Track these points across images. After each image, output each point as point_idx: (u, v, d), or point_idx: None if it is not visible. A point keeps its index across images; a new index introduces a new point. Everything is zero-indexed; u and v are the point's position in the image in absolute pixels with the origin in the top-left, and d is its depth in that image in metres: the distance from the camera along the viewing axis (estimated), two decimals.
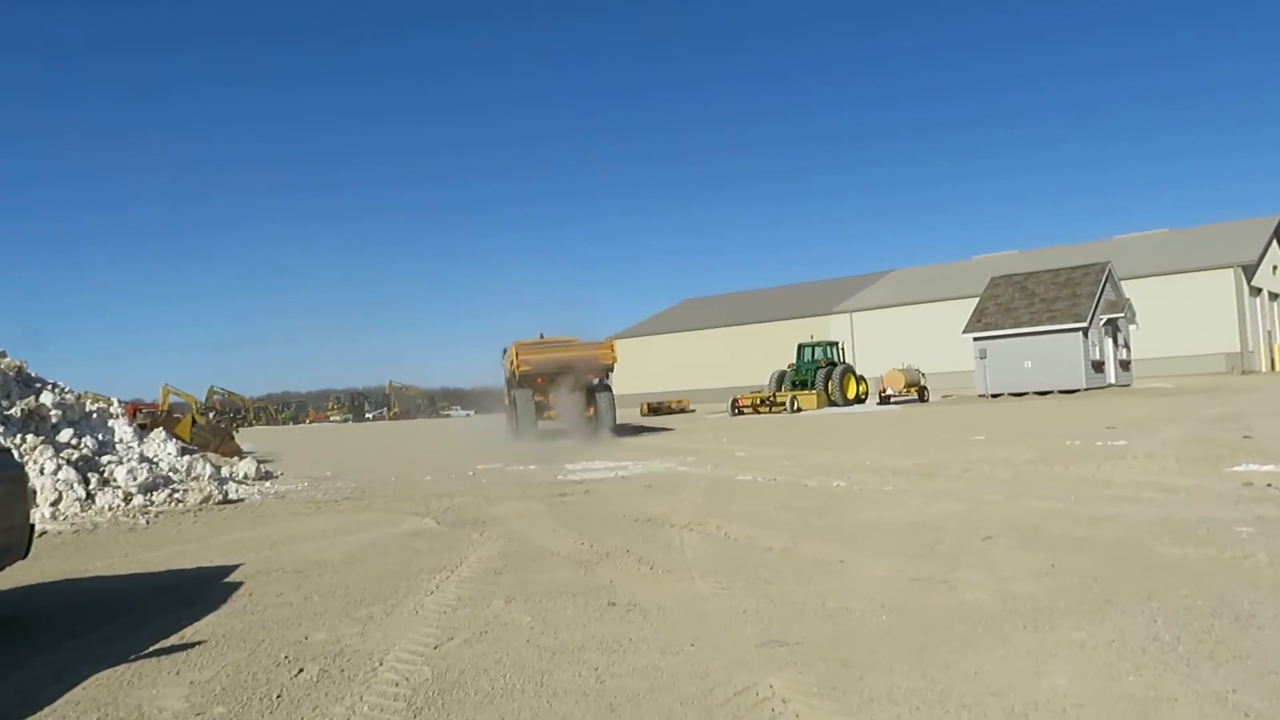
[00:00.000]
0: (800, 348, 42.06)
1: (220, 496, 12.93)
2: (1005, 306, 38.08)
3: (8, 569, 6.27)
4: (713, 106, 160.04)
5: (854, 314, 66.73)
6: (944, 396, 41.43)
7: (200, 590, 6.60)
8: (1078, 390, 34.31)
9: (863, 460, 13.49)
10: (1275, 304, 59.56)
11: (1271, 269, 58.05)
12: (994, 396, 35.98)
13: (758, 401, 36.58)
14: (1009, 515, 7.73)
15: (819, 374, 38.72)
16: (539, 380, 24.39)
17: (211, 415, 66.85)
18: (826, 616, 4.86)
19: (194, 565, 7.78)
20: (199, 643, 5.06)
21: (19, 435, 13.26)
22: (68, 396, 15.05)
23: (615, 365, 25.72)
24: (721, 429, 26.34)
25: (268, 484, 15.33)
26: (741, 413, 36.21)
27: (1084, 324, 34.87)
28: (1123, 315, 37.70)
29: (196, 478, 14.24)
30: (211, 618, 5.67)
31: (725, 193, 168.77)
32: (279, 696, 4.08)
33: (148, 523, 10.93)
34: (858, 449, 15.78)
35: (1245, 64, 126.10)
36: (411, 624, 5.22)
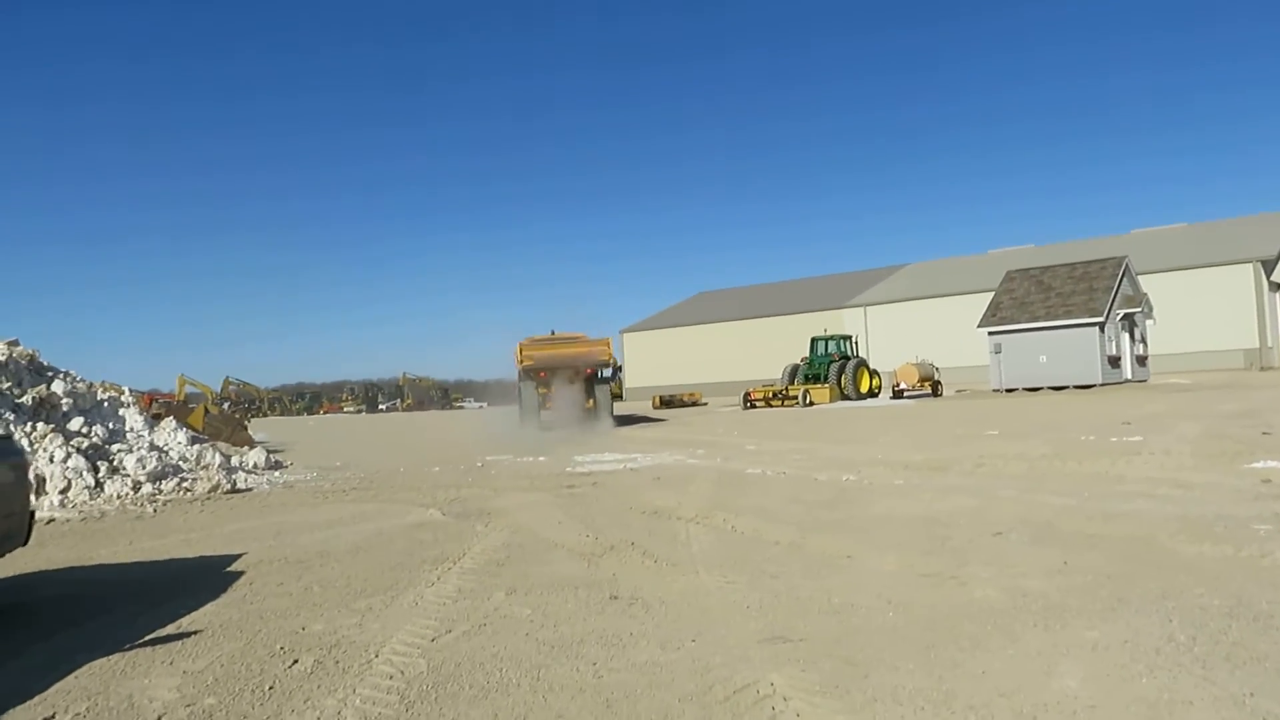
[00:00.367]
0: (814, 341, 41.87)
1: (229, 486, 12.92)
2: (1021, 301, 37.78)
3: (8, 556, 6.26)
4: (727, 100, 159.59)
5: (868, 308, 66.44)
6: (958, 391, 41.17)
7: (201, 579, 6.54)
8: (1093, 386, 34.02)
9: (874, 454, 13.36)
10: None
11: None
12: (1008, 391, 35.72)
13: (770, 395, 36.42)
14: (1021, 511, 7.60)
15: (832, 368, 38.51)
16: (541, 374, 26.23)
17: (226, 406, 67.28)
18: (832, 612, 4.76)
19: (197, 554, 7.74)
20: (195, 632, 5.00)
21: (30, 423, 13.28)
22: (79, 385, 15.05)
23: (612, 361, 27.77)
24: (733, 422, 26.22)
25: (277, 474, 15.32)
26: (754, 406, 36.06)
27: (1100, 319, 34.55)
28: (1140, 310, 37.34)
29: (206, 467, 14.23)
30: (210, 607, 5.61)
31: (739, 186, 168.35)
32: (271, 688, 4.00)
33: (155, 511, 10.91)
34: (869, 443, 15.64)
35: (1267, 57, 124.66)
36: (410, 616, 5.15)
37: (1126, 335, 37.10)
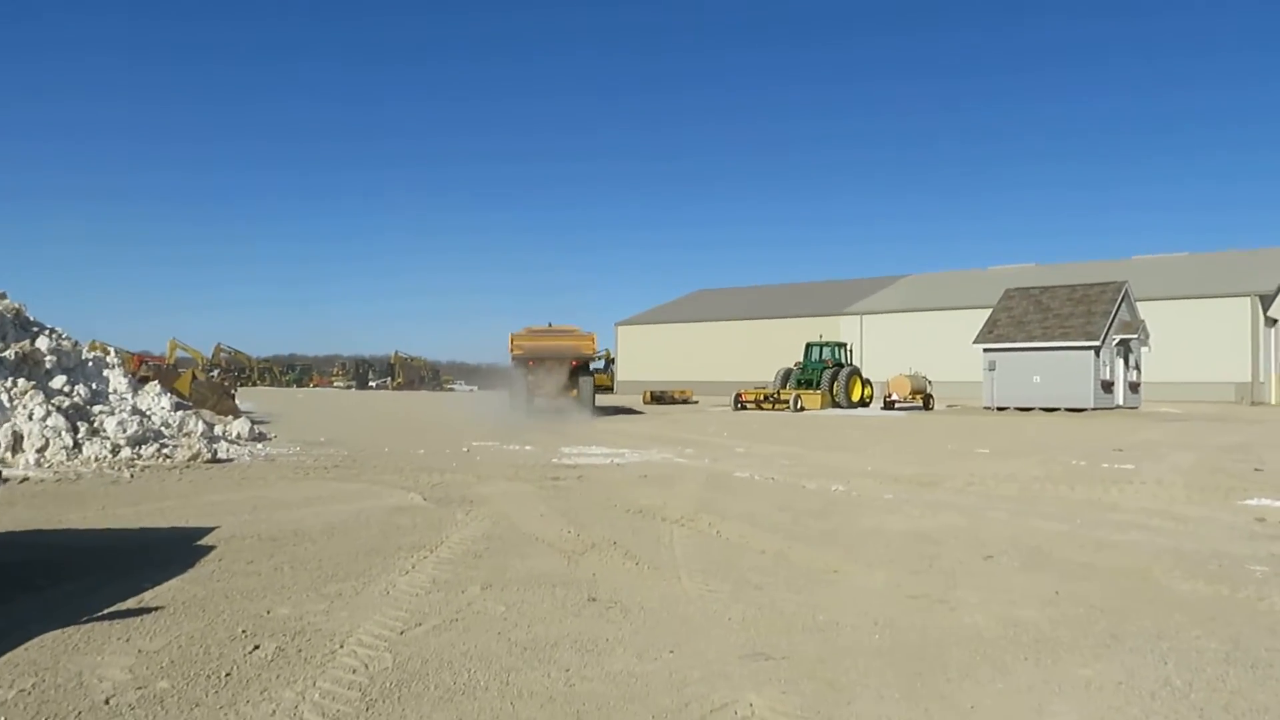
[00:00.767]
0: (808, 346, 41.72)
1: (209, 455, 12.72)
2: (1018, 319, 37.69)
3: None
4: (736, 97, 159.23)
5: (864, 316, 66.32)
6: (949, 406, 41.08)
7: (170, 552, 6.37)
8: (1085, 409, 33.94)
9: (864, 465, 13.21)
10: None
11: None
12: (1000, 409, 35.63)
13: (761, 398, 36.27)
14: (1012, 534, 7.46)
15: (825, 374, 38.39)
16: (530, 363, 28.60)
17: (215, 372, 66.94)
18: (816, 630, 4.60)
19: (169, 525, 7.56)
20: (157, 608, 4.82)
21: (11, 378, 13.06)
22: (64, 343, 14.84)
23: (595, 354, 30.54)
24: (723, 422, 26.08)
25: (259, 446, 15.12)
26: (745, 408, 35.91)
27: (1097, 343, 34.48)
28: (1136, 336, 37.29)
29: (188, 434, 14.02)
30: (175, 582, 5.43)
31: (741, 185, 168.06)
32: (228, 675, 3.83)
33: (132, 476, 10.71)
34: (859, 453, 15.50)
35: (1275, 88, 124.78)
36: (380, 605, 4.98)
37: (1121, 361, 37.04)
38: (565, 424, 23.67)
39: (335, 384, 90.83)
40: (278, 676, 3.82)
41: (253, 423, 17.24)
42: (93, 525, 7.51)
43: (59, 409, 12.58)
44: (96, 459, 11.78)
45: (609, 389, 58.08)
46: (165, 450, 12.68)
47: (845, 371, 38.80)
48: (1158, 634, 4.55)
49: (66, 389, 13.50)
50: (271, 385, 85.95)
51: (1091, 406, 34.08)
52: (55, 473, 10.74)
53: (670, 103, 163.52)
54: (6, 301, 14.90)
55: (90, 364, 15.06)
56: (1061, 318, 36.43)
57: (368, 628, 4.53)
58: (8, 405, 12.34)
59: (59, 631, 4.37)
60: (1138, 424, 26.28)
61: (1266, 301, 53.07)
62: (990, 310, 40.13)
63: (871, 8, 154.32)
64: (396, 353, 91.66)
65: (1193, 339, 50.92)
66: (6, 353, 13.55)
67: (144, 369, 32.69)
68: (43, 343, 14.21)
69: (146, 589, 5.24)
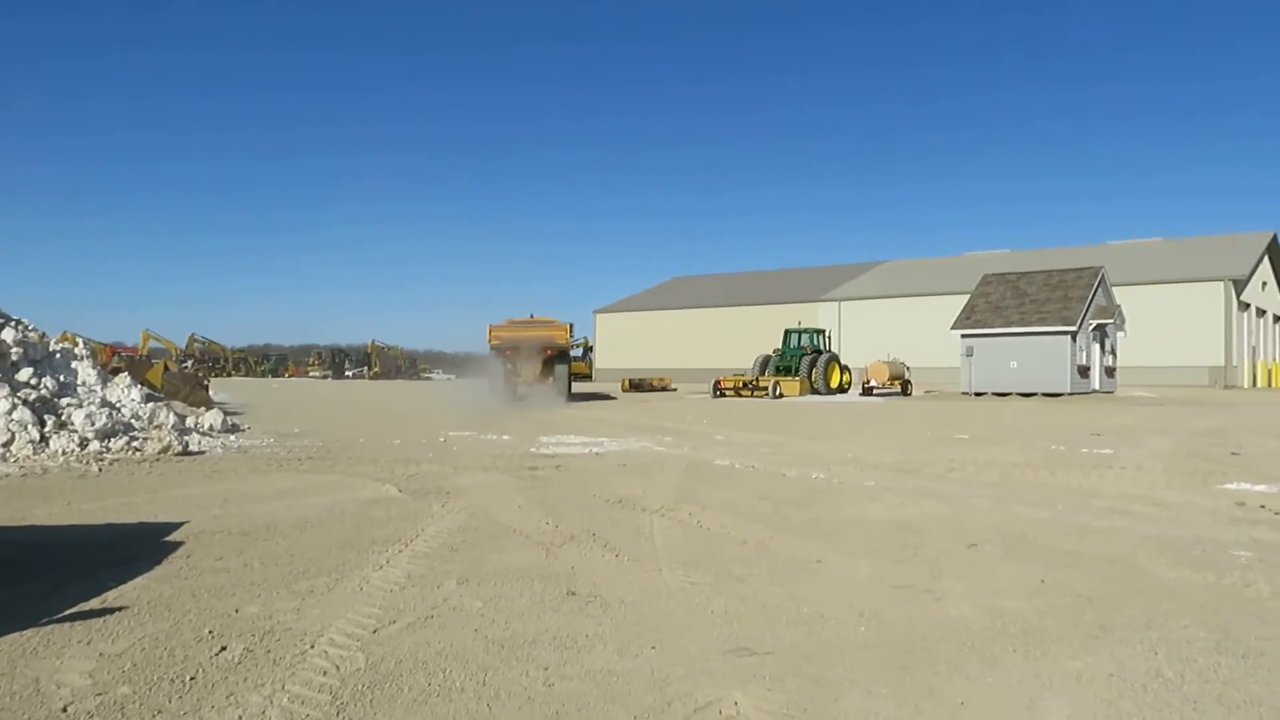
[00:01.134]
0: (787, 333, 41.76)
1: (180, 448, 12.48)
2: (995, 305, 37.82)
3: None
4: (714, 86, 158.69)
5: (842, 303, 66.48)
6: (927, 391, 41.24)
7: (136, 548, 6.18)
8: (1062, 394, 34.14)
9: (844, 452, 13.16)
10: (1262, 320, 59.65)
11: (1261, 285, 58.09)
12: (977, 395, 35.78)
13: (740, 385, 36.24)
14: (995, 521, 7.40)
15: (804, 361, 38.41)
16: (508, 352, 30.03)
17: (190, 363, 66.20)
18: (801, 623, 4.50)
19: (137, 520, 7.36)
20: (121, 609, 4.66)
21: None
22: (31, 334, 14.53)
23: (569, 343, 32.30)
24: (702, 410, 26.01)
25: (232, 437, 14.88)
26: (723, 395, 35.89)
27: (1073, 328, 34.66)
28: (1112, 321, 37.53)
29: (158, 426, 13.78)
30: (140, 580, 5.26)
31: (718, 173, 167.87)
32: (193, 679, 3.68)
33: (100, 470, 10.48)
34: (839, 440, 15.45)
35: (1253, 77, 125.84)
36: (353, 602, 4.84)
37: (1097, 346, 37.28)
38: (543, 412, 23.62)
39: (311, 374, 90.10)
40: (245, 679, 3.68)
41: (226, 414, 16.98)
42: (58, 521, 7.30)
43: (25, 402, 12.30)
44: (64, 453, 11.53)
45: (588, 377, 57.87)
46: (135, 443, 12.43)
47: (824, 358, 38.86)
48: (1146, 623, 4.49)
49: (33, 381, 13.20)
50: (247, 375, 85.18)
51: (1068, 391, 34.29)
52: (21, 468, 10.49)
53: (647, 93, 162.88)
54: None
55: (58, 356, 14.75)
56: (1038, 303, 36.61)
57: (340, 626, 4.39)
58: None
59: (17, 635, 4.20)
60: (1114, 409, 26.44)
61: (1240, 286, 53.62)
62: (968, 296, 40.27)
63: None
64: (373, 342, 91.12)
65: (1167, 323, 51.40)
66: None
67: (116, 360, 32.23)
68: (8, 334, 13.89)
69: (110, 588, 5.06)
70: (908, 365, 41.09)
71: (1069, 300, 35.99)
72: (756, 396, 34.90)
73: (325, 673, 3.76)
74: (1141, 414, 23.48)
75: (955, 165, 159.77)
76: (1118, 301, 39.32)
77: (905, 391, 39.10)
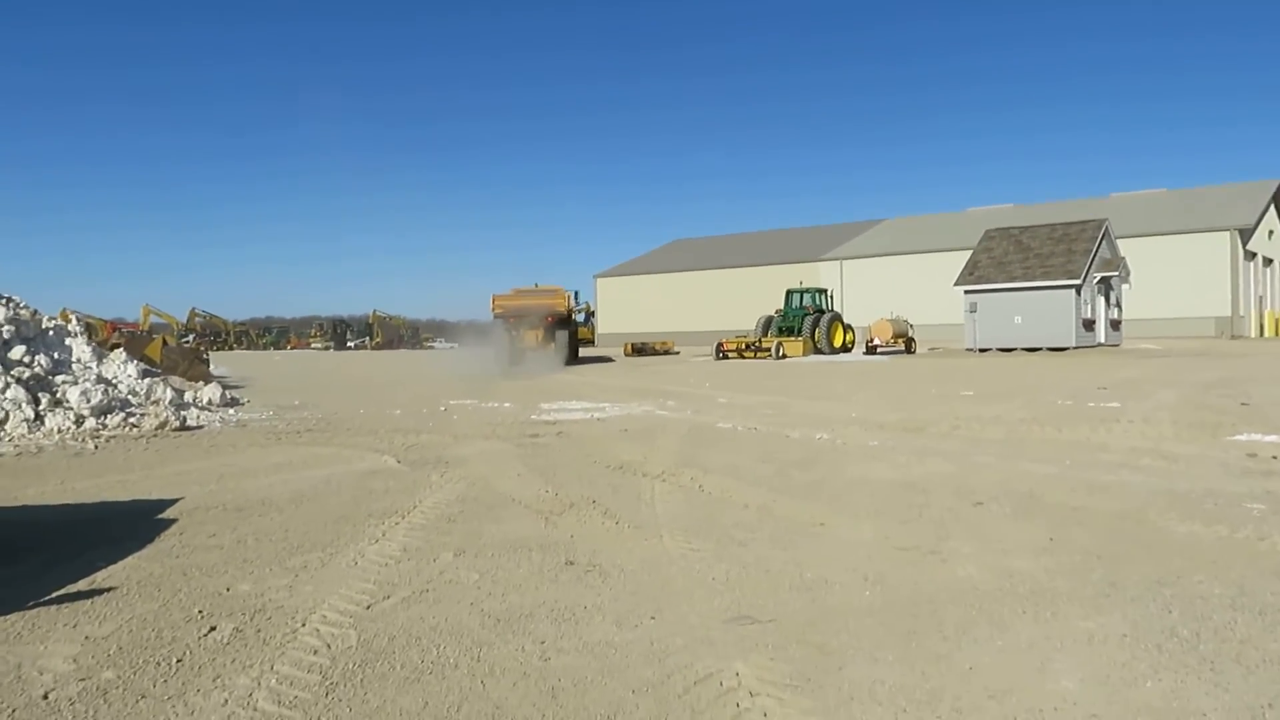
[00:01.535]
0: (789, 294, 41.49)
1: (178, 423, 12.38)
2: (999, 260, 37.54)
3: None
4: (710, 48, 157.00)
5: (844, 261, 66.07)
6: (931, 349, 41.07)
7: (129, 526, 6.08)
8: (1067, 348, 33.97)
9: (848, 412, 13.04)
10: (1269, 269, 59.22)
11: (1267, 234, 57.56)
12: (982, 351, 35.63)
13: (743, 346, 36.10)
14: (1001, 479, 7.28)
15: (806, 321, 38.21)
16: (510, 320, 31.53)
17: (191, 337, 66.15)
18: (804, 589, 4.39)
19: (131, 497, 7.27)
20: (109, 589, 4.56)
21: None
22: (23, 311, 14.37)
23: (569, 310, 33.39)
24: (705, 373, 25.88)
25: (231, 411, 14.78)
26: (726, 357, 35.74)
27: (1078, 281, 34.41)
28: (1117, 274, 37.25)
29: (156, 402, 13.67)
30: (131, 559, 5.16)
31: (718, 133, 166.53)
32: (179, 661, 3.58)
33: (96, 447, 10.39)
34: (843, 400, 15.33)
35: (1254, 30, 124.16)
36: (347, 577, 4.73)
37: (1102, 299, 37.04)
38: (544, 378, 23.57)
39: (313, 345, 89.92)
40: (233, 661, 3.58)
41: (225, 388, 16.88)
42: (50, 500, 7.21)
43: (18, 380, 12.19)
44: (59, 430, 11.44)
45: (590, 342, 57.73)
46: (132, 419, 12.33)
47: (826, 318, 38.65)
48: (1159, 580, 4.37)
49: (26, 359, 13.07)
50: (249, 349, 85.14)
51: (1073, 345, 34.11)
52: (16, 446, 10.40)
53: (644, 58, 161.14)
54: None
55: (51, 333, 14.61)
56: (1042, 257, 36.32)
57: (333, 603, 4.29)
58: None
59: (3, 618, 4.10)
60: (1120, 362, 26.28)
61: (1246, 235, 53.15)
62: (971, 252, 39.97)
63: None
64: (375, 312, 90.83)
65: (1173, 274, 50.99)
66: None
67: (116, 336, 32.12)
68: None
69: (100, 568, 4.96)
70: (911, 323, 40.88)
71: (1073, 254, 35.69)
72: (760, 358, 34.76)
73: (316, 651, 3.66)
74: (1148, 366, 23.32)
75: (957, 121, 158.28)
76: (1122, 254, 39.00)
77: (909, 349, 38.92)
